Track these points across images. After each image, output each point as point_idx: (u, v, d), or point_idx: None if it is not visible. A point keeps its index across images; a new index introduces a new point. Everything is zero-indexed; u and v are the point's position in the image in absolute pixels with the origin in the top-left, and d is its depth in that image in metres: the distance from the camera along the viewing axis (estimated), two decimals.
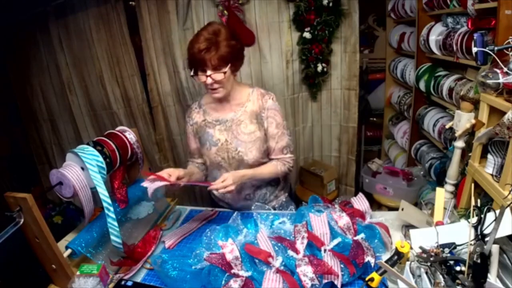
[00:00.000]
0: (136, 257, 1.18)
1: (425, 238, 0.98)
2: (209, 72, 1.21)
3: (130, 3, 2.33)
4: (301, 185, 2.68)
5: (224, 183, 1.20)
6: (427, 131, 2.06)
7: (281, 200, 1.53)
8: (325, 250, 1.02)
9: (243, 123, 1.34)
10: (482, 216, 0.87)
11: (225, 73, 1.22)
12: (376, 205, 2.30)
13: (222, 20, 2.09)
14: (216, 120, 1.37)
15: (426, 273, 0.88)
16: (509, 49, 0.94)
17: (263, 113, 1.35)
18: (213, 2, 2.11)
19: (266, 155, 1.42)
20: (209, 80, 1.22)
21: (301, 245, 1.03)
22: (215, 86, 1.25)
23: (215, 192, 1.37)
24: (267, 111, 1.35)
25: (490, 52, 0.96)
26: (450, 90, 1.71)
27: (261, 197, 1.48)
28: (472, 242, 0.82)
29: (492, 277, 0.81)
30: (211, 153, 1.37)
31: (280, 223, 1.22)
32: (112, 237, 1.12)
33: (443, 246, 0.92)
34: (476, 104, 1.15)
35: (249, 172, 1.32)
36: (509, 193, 0.90)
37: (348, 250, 1.01)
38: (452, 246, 0.91)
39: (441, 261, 0.87)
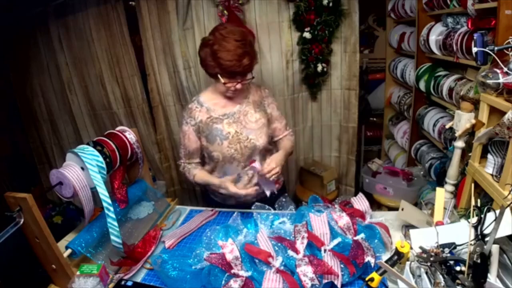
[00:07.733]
0: (136, 257, 1.18)
1: (425, 238, 0.98)
2: (239, 79, 1.33)
3: (130, 3, 2.33)
4: (301, 185, 2.68)
5: (270, 166, 1.31)
6: (427, 131, 2.06)
7: (281, 180, 1.64)
8: (325, 250, 1.02)
9: (249, 113, 1.45)
10: (482, 216, 0.87)
11: (253, 77, 1.37)
12: (376, 205, 2.30)
13: (222, 20, 2.09)
14: (223, 114, 1.43)
15: (426, 273, 0.88)
16: (509, 49, 0.94)
17: (264, 101, 1.51)
18: (213, 2, 2.11)
19: (271, 140, 1.55)
20: (239, 86, 1.34)
21: (301, 245, 1.03)
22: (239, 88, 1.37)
23: (223, 191, 1.42)
24: (267, 98, 1.52)
25: (490, 52, 0.96)
26: (450, 90, 1.71)
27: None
28: (472, 242, 0.82)
29: (492, 277, 0.81)
30: (224, 147, 1.41)
31: (280, 223, 1.22)
32: (112, 237, 1.12)
33: (443, 246, 0.92)
34: (476, 104, 1.15)
35: (283, 154, 1.46)
36: (509, 193, 0.90)
37: (348, 250, 1.01)
38: (452, 246, 0.92)
39: (441, 261, 0.87)
